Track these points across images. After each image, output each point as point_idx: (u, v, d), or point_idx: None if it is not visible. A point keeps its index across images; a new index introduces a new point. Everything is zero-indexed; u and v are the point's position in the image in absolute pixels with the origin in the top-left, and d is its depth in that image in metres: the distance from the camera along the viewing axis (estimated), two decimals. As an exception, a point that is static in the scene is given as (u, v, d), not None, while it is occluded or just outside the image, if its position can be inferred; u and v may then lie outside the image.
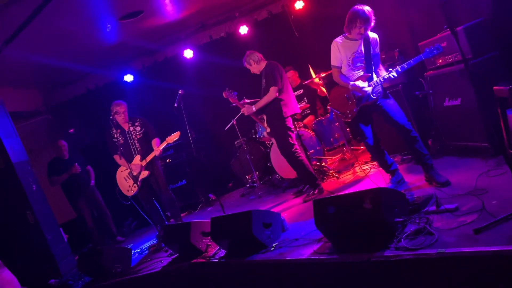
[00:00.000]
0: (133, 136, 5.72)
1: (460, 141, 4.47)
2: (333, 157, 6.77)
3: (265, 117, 5.53)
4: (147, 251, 5.76)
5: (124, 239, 7.28)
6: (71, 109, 8.28)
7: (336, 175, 5.70)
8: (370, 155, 5.54)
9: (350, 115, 4.21)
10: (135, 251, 6.02)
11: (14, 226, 5.44)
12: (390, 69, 4.00)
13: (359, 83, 4.03)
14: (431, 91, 4.66)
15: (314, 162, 6.10)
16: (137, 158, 5.68)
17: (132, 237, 7.45)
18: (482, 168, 3.77)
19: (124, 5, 5.53)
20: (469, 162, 4.17)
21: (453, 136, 4.56)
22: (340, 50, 4.10)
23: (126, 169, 5.73)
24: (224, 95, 5.63)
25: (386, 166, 4.35)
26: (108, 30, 6.13)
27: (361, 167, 5.53)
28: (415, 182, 4.20)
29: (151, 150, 5.69)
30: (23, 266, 5.23)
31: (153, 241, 5.97)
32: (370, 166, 5.44)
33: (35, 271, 5.37)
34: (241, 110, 5.54)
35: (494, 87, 3.29)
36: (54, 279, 5.29)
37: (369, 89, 4.02)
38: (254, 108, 5.35)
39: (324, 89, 6.57)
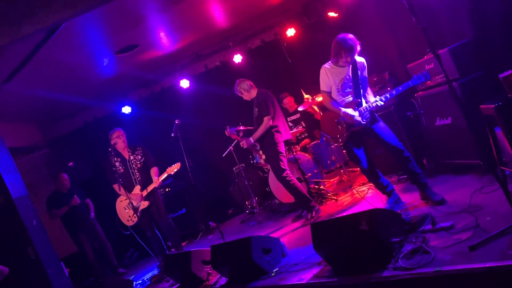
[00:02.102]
0: (134, 165, 5.76)
1: (454, 159, 4.53)
2: (331, 180, 6.82)
3: (258, 146, 5.61)
4: (148, 282, 5.73)
5: (126, 271, 7.24)
6: (70, 142, 8.34)
7: (335, 198, 5.73)
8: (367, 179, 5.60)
9: (340, 140, 4.28)
10: (137, 282, 5.99)
11: (15, 262, 5.42)
12: (378, 96, 4.09)
13: (350, 111, 4.11)
14: (422, 111, 4.75)
15: (312, 185, 6.14)
16: (137, 188, 5.71)
17: (133, 268, 7.41)
18: (476, 185, 3.83)
19: (119, 40, 5.67)
20: (464, 179, 4.24)
21: (447, 154, 4.63)
22: (329, 75, 4.20)
23: (126, 199, 5.74)
24: (226, 133, 5.85)
25: (382, 188, 4.40)
26: (105, 65, 6.26)
27: (358, 189, 5.57)
28: (412, 201, 4.24)
29: (151, 179, 5.72)
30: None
31: (155, 272, 5.95)
32: (367, 187, 5.48)
33: (37, 307, 5.33)
34: (241, 144, 5.62)
35: (481, 106, 3.37)
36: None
37: (358, 116, 4.10)
38: (252, 140, 5.44)
39: (317, 109, 6.71)
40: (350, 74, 4.13)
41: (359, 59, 4.17)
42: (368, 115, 4.14)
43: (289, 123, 7.23)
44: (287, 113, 7.29)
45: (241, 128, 6.04)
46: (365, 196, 5.17)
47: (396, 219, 3.36)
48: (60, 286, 5.52)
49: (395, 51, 5.67)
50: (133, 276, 6.54)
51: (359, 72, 4.12)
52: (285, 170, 5.30)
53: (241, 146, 5.63)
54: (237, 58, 7.61)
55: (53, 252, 5.78)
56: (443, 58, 3.90)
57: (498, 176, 2.86)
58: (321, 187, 6.23)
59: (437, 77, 4.41)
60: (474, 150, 4.11)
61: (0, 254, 5.47)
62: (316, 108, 6.76)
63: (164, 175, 5.68)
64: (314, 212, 5.22)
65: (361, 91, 4.15)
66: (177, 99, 8.20)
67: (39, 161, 8.29)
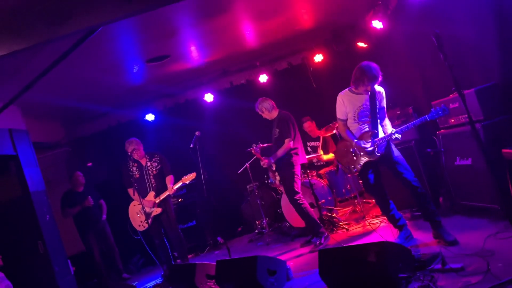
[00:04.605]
0: (149, 172, 5.83)
1: (471, 201, 4.46)
2: (344, 209, 6.76)
3: (274, 167, 5.62)
4: (151, 291, 5.73)
5: (130, 277, 7.24)
6: (91, 143, 8.49)
7: (346, 227, 5.68)
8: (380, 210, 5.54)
9: (354, 171, 4.28)
10: (140, 289, 6.00)
11: (24, 254, 5.51)
12: (393, 129, 4.08)
13: (362, 143, 4.11)
14: (442, 149, 4.71)
15: (325, 212, 6.09)
16: (151, 194, 5.77)
17: (138, 274, 7.42)
18: (491, 230, 3.76)
19: (151, 49, 5.82)
20: (479, 222, 4.16)
21: (464, 195, 4.56)
22: (346, 103, 4.21)
23: (139, 204, 5.80)
24: (252, 151, 5.93)
25: (393, 220, 4.35)
26: (134, 71, 6.41)
27: (370, 221, 5.52)
28: (423, 239, 4.19)
29: (166, 187, 5.78)
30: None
31: (158, 281, 5.95)
32: (380, 220, 5.42)
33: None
34: (261, 163, 5.66)
35: (503, 150, 3.34)
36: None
37: (372, 148, 4.09)
38: (272, 160, 5.48)
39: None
40: (368, 103, 4.12)
41: (378, 88, 4.18)
42: (383, 146, 4.13)
43: (308, 148, 7.24)
44: (308, 138, 7.31)
45: (260, 146, 6.08)
46: (377, 228, 5.11)
47: (406, 254, 3.31)
48: (64, 283, 5.57)
49: (421, 86, 5.67)
50: (136, 283, 6.54)
51: (377, 102, 4.11)
52: (298, 193, 5.30)
53: (262, 165, 5.67)
54: (263, 78, 7.72)
55: (62, 249, 5.85)
56: (468, 99, 3.90)
57: (515, 222, 2.82)
58: (334, 215, 6.18)
59: (460, 117, 4.39)
60: (492, 194, 4.04)
61: (11, 245, 5.58)
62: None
63: (179, 184, 5.72)
64: (323, 239, 5.18)
65: (378, 121, 4.13)
66: (200, 112, 8.31)
67: (59, 159, 8.45)
